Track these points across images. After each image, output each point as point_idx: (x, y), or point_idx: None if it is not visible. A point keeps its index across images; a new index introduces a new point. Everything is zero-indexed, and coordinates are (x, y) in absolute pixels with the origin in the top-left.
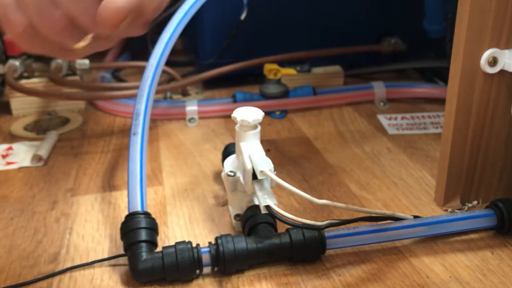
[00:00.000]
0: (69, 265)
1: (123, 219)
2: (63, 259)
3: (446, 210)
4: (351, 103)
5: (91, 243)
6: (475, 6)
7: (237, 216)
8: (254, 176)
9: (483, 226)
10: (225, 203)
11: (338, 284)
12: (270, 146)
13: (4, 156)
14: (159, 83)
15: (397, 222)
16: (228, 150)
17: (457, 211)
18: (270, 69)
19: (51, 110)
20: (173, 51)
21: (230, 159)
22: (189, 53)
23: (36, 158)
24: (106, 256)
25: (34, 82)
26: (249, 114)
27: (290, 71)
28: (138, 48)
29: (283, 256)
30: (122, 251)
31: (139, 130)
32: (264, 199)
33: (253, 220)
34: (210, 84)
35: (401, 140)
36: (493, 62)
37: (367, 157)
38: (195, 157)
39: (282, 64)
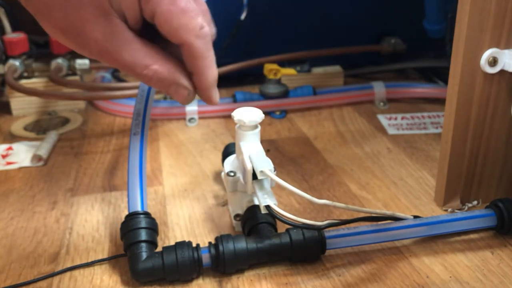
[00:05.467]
0: (69, 265)
1: (123, 219)
2: (63, 259)
3: (446, 210)
4: (351, 103)
5: (91, 243)
6: (475, 6)
7: (237, 216)
8: (254, 176)
9: (483, 226)
10: (225, 203)
11: (338, 284)
12: (270, 146)
13: (4, 156)
14: None
15: (397, 222)
16: (228, 150)
17: (457, 211)
18: (270, 69)
19: (51, 110)
20: None
21: (230, 159)
22: None
23: (36, 158)
24: (106, 256)
25: (34, 82)
26: (249, 114)
27: (290, 71)
28: None
29: (283, 256)
30: (122, 251)
31: (139, 130)
32: (264, 199)
33: (253, 220)
34: None
35: (401, 140)
36: (493, 62)
37: (367, 157)
38: (195, 157)
39: (282, 64)
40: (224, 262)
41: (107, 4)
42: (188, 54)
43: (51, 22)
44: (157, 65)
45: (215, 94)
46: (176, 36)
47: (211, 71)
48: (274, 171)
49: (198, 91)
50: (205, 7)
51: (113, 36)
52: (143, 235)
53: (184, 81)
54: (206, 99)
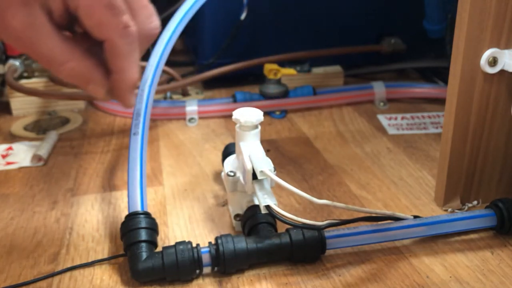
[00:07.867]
0: (69, 265)
1: (123, 219)
2: (63, 259)
3: (446, 210)
4: (351, 103)
5: (91, 243)
6: (475, 6)
7: (237, 216)
8: (254, 176)
9: (483, 226)
10: (225, 203)
11: (338, 284)
12: (270, 146)
13: (4, 156)
14: (159, 83)
15: (397, 222)
16: (228, 150)
17: (457, 211)
18: (270, 69)
19: (51, 110)
20: (173, 51)
21: (230, 159)
22: (189, 53)
23: (36, 158)
24: (106, 256)
25: (34, 82)
26: (249, 114)
27: (290, 71)
28: None
29: (283, 256)
30: (122, 251)
31: (139, 130)
32: (264, 199)
33: (253, 220)
34: (210, 84)
35: (401, 140)
36: (493, 62)
37: (367, 157)
38: (195, 157)
39: (282, 64)
40: (224, 262)
41: None
42: (109, 52)
43: None
44: (73, 63)
45: (131, 97)
46: (97, 32)
47: (131, 73)
48: (274, 171)
49: (114, 90)
50: (143, 2)
51: (33, 27)
52: (143, 235)
53: (101, 81)
54: (121, 100)
